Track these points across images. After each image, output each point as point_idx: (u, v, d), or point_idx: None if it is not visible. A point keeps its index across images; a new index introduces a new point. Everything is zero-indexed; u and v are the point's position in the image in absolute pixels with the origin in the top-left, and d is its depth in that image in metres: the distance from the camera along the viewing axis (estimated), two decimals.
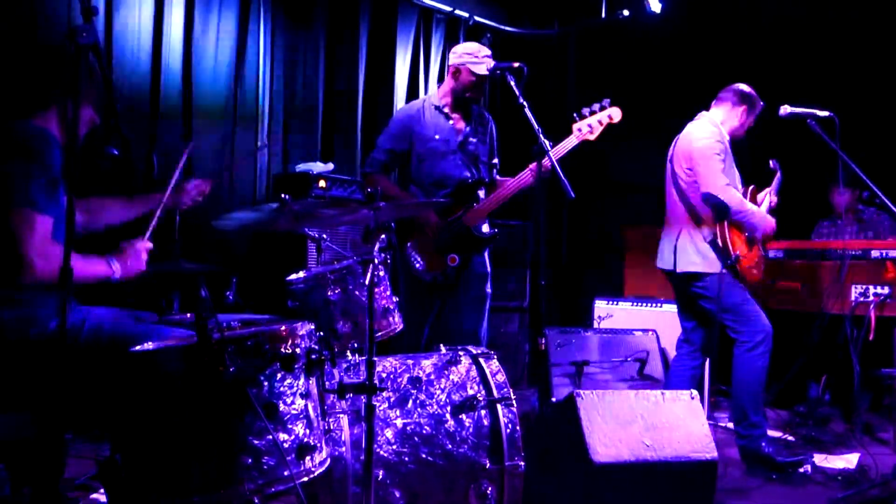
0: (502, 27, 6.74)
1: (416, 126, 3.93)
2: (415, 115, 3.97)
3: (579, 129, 3.65)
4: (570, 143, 3.68)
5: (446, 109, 3.97)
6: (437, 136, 3.91)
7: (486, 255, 4.02)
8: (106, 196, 2.88)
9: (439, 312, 3.86)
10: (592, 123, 3.66)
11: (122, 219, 2.87)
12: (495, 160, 4.12)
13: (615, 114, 3.69)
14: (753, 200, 4.12)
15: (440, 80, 6.25)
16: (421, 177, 3.91)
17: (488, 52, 3.92)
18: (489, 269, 4.04)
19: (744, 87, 4.12)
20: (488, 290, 4.02)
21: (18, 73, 2.58)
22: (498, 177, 4.07)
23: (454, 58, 3.93)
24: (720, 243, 3.85)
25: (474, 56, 3.87)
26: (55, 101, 2.53)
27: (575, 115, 3.65)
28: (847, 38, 5.64)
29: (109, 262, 2.52)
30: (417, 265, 3.79)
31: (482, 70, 3.83)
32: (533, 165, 3.64)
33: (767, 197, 4.23)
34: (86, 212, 2.78)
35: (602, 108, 3.67)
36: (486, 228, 3.89)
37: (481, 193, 3.90)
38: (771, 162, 4.35)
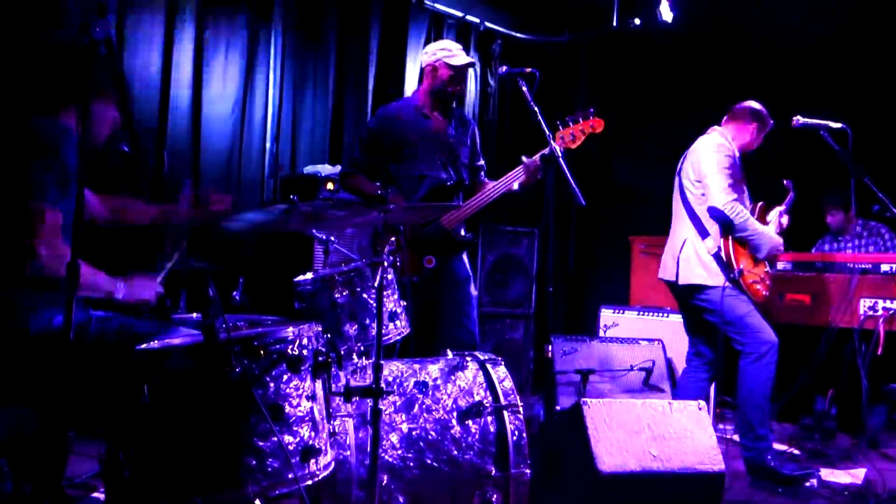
0: (513, 33, 6.73)
1: (396, 125, 3.93)
2: (393, 115, 3.97)
3: (562, 138, 3.67)
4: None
5: (425, 110, 3.97)
6: (415, 136, 3.91)
7: (465, 258, 4.01)
8: (133, 197, 2.89)
9: (419, 316, 3.84)
10: (575, 132, 3.67)
11: (144, 221, 2.87)
12: (480, 162, 4.11)
13: (597, 124, 3.71)
14: (762, 217, 4.10)
15: None
16: (399, 176, 3.91)
17: (461, 46, 3.99)
18: (470, 272, 4.04)
19: (756, 104, 4.11)
20: (473, 292, 4.01)
21: (43, 69, 2.58)
22: (486, 179, 4.06)
23: (428, 57, 3.96)
24: (724, 257, 3.84)
25: (448, 50, 3.91)
26: (79, 99, 2.52)
27: (558, 122, 3.67)
28: (861, 50, 5.62)
29: (116, 282, 2.51)
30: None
31: (460, 61, 3.88)
32: (516, 170, 3.70)
33: (777, 217, 4.21)
34: (111, 209, 2.79)
35: (585, 118, 3.69)
36: (463, 232, 3.89)
37: (460, 196, 3.91)
38: (785, 181, 4.33)
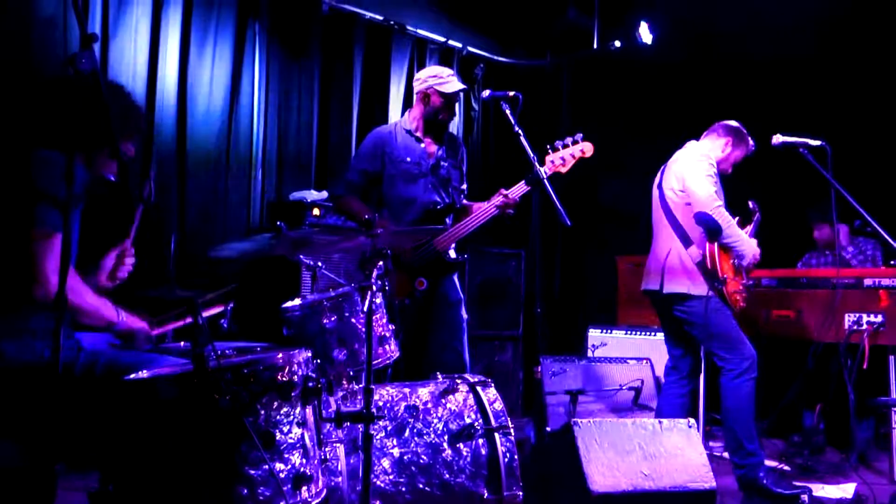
0: (495, 57, 6.80)
1: (388, 147, 3.95)
2: (386, 137, 3.99)
3: (552, 162, 3.70)
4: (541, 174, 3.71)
5: (418, 133, 3.99)
6: (408, 159, 3.93)
7: (456, 281, 4.02)
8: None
9: (410, 338, 3.83)
10: (565, 157, 3.70)
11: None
12: (464, 185, 4.13)
13: (587, 148, 3.73)
14: None
15: None
16: (391, 199, 3.92)
17: (452, 71, 4.03)
18: (462, 295, 4.05)
19: (732, 122, 4.16)
20: (464, 315, 4.02)
21: (51, 105, 2.57)
22: (466, 202, 4.08)
23: (419, 84, 3.98)
24: (709, 265, 3.86)
25: (440, 77, 3.94)
26: (85, 136, 2.50)
27: (548, 147, 3.70)
28: (839, 68, 5.70)
29: (118, 311, 2.52)
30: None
31: (451, 88, 3.91)
32: (500, 197, 3.72)
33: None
34: None
35: (574, 143, 3.72)
36: (453, 254, 3.90)
37: (450, 219, 3.92)
38: (750, 203, 4.38)
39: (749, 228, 4.26)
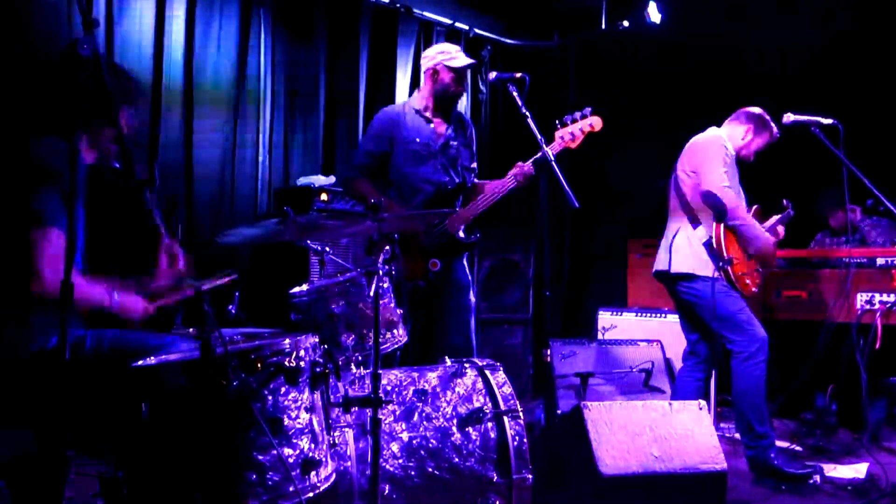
0: (502, 39, 6.75)
1: (397, 128, 3.91)
2: (395, 118, 3.95)
3: (561, 137, 3.67)
4: (551, 150, 3.68)
5: (427, 113, 3.95)
6: (417, 140, 3.90)
7: (465, 263, 4.00)
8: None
9: (422, 322, 3.83)
10: (574, 132, 3.66)
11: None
12: (474, 164, 4.10)
13: (596, 122, 3.70)
14: (757, 220, 4.11)
15: None
16: (400, 180, 3.90)
17: (459, 47, 4.00)
18: (471, 278, 4.03)
19: (755, 109, 4.11)
20: (472, 299, 4.00)
21: (51, 91, 2.55)
22: (477, 181, 4.05)
23: (428, 61, 3.94)
24: (714, 244, 3.84)
25: (448, 53, 3.92)
26: (86, 122, 2.49)
27: (557, 122, 3.67)
28: (849, 46, 5.64)
29: (112, 293, 2.48)
30: (398, 272, 3.78)
31: (460, 63, 3.88)
32: (515, 170, 3.71)
33: (771, 225, 4.21)
34: None
35: (583, 117, 3.69)
36: (464, 234, 3.87)
37: (460, 199, 3.90)
38: (784, 201, 4.34)
39: (772, 220, 4.22)
